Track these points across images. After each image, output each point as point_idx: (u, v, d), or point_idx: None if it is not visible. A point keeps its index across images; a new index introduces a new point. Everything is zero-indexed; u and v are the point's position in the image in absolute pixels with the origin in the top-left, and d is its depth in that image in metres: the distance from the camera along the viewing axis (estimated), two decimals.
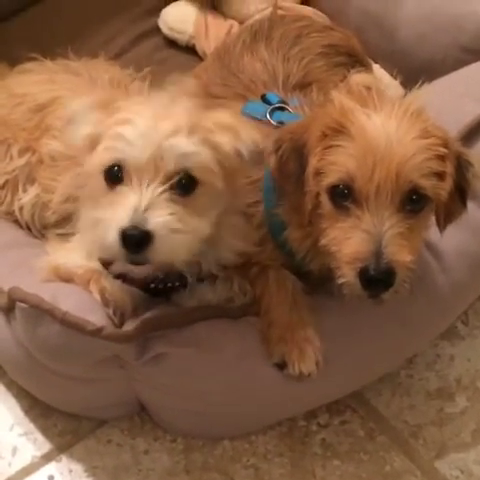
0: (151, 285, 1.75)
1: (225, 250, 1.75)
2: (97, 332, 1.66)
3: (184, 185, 1.58)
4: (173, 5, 2.58)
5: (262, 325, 1.77)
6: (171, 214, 1.55)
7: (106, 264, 1.74)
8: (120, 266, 1.68)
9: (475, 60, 2.11)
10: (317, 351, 1.74)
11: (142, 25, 2.59)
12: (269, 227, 1.79)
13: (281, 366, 1.74)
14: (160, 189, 1.56)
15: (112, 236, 1.55)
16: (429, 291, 1.85)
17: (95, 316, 1.68)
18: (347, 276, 1.58)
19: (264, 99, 1.90)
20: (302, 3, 2.56)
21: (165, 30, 2.56)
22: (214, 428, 1.95)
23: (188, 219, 1.58)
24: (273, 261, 1.81)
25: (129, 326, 1.69)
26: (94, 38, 2.52)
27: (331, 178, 1.59)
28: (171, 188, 1.57)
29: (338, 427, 1.99)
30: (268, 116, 1.84)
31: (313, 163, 1.60)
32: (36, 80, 2.13)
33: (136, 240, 1.53)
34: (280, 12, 2.42)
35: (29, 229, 2.05)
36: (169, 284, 1.75)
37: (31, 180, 2.02)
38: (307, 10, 2.50)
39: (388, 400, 2.03)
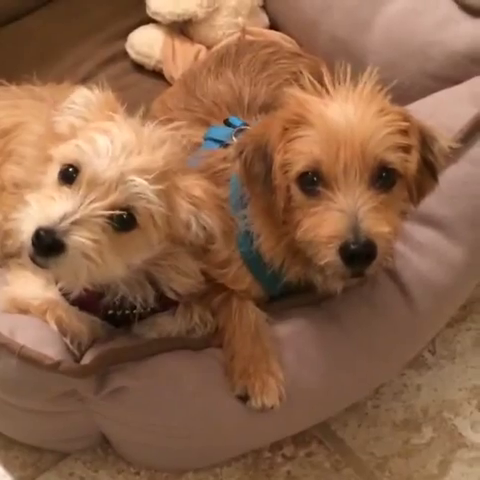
0: (109, 312, 1.73)
1: (177, 278, 1.71)
2: (54, 366, 1.62)
3: (123, 221, 1.55)
4: (140, 29, 2.56)
5: (225, 357, 1.75)
6: (94, 241, 1.51)
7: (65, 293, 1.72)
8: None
9: (442, 87, 2.10)
10: (280, 384, 1.72)
11: (109, 49, 2.56)
12: (243, 255, 1.77)
13: (244, 399, 1.72)
14: (100, 212, 1.52)
15: (28, 225, 1.52)
16: (395, 321, 1.84)
17: (53, 350, 1.65)
18: (328, 256, 1.56)
19: (227, 123, 1.89)
20: (270, 28, 2.56)
21: (132, 54, 2.53)
22: (178, 461, 1.93)
23: (107, 253, 1.54)
24: (238, 283, 1.78)
25: (87, 359, 1.67)
26: (60, 63, 2.49)
27: (298, 167, 1.59)
28: (111, 218, 1.53)
29: (304, 459, 1.96)
30: (234, 138, 1.82)
31: (278, 158, 1.60)
32: (0, 105, 2.11)
33: (45, 244, 1.50)
34: (248, 37, 2.42)
35: None
36: (127, 311, 1.72)
37: None
38: (275, 35, 2.49)
39: (354, 431, 2.01)
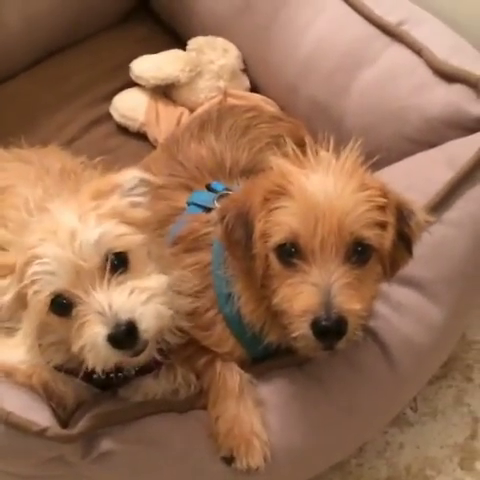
0: (94, 376, 1.73)
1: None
2: (42, 432, 1.64)
3: (117, 265, 1.59)
4: (124, 92, 2.61)
5: (209, 419, 1.77)
6: (130, 293, 1.56)
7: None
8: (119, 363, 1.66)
9: (418, 150, 2.15)
10: (264, 445, 1.75)
11: (94, 112, 2.60)
12: (225, 316, 1.80)
13: (229, 460, 1.74)
14: (105, 286, 1.56)
15: (102, 344, 1.55)
16: (376, 382, 1.87)
17: (39, 416, 1.66)
18: (300, 329, 1.59)
19: (209, 188, 1.94)
20: (252, 91, 2.61)
21: (117, 117, 2.57)
22: None
23: (138, 284, 1.59)
24: (221, 345, 1.81)
25: (74, 424, 1.68)
26: (46, 125, 2.53)
27: (277, 238, 1.62)
28: (111, 273, 1.57)
29: None
30: (216, 203, 1.87)
31: (259, 227, 1.63)
32: None
33: (124, 335, 1.53)
34: (230, 100, 2.47)
35: None
36: (111, 374, 1.73)
37: None
38: (257, 98, 2.54)
39: None
